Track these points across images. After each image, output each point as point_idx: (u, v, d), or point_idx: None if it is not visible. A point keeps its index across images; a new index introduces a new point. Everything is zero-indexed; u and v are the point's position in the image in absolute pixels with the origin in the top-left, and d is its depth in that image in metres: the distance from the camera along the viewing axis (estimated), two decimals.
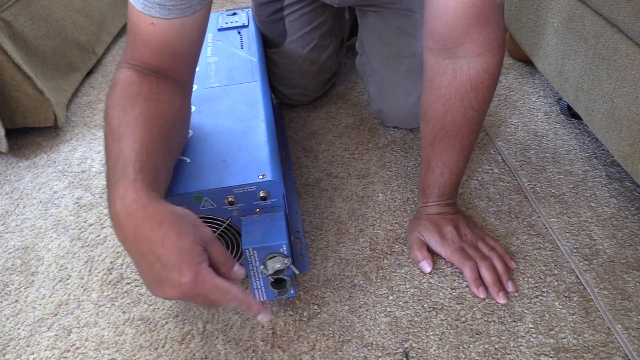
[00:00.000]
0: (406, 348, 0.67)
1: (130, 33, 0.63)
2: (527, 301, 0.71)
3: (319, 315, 0.71)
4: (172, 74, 0.65)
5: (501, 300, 0.70)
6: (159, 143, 0.58)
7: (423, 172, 0.79)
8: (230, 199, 0.66)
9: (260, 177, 0.66)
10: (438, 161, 0.75)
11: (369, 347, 0.67)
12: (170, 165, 0.63)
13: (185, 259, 0.51)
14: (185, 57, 0.65)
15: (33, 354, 0.70)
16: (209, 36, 1.01)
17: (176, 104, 0.64)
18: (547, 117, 1.04)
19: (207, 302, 0.53)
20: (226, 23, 1.05)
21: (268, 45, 1.06)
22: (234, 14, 1.09)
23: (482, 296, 0.71)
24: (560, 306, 0.70)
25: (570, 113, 1.01)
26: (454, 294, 0.73)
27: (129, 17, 0.62)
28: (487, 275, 0.72)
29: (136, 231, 0.51)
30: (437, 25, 0.67)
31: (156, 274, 0.51)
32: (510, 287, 0.72)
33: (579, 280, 0.73)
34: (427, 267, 0.75)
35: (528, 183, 0.89)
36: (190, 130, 0.75)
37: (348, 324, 0.70)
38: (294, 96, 1.11)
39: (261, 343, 0.69)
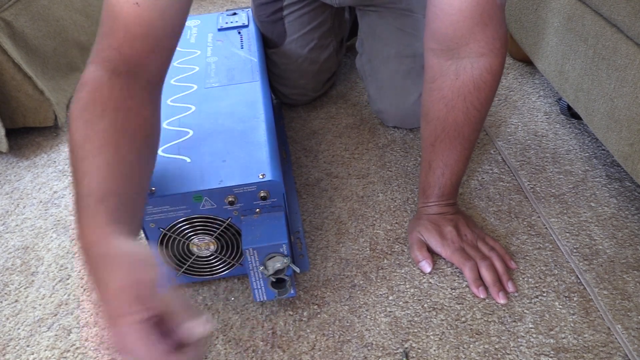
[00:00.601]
0: (406, 348, 0.67)
1: (107, 18, 0.57)
2: (527, 301, 0.71)
3: (319, 315, 0.71)
4: (146, 70, 0.59)
5: (501, 300, 0.70)
6: (128, 161, 0.53)
7: (423, 173, 0.78)
8: (230, 199, 0.66)
9: (260, 177, 0.66)
10: (439, 162, 0.75)
11: (369, 347, 0.67)
12: (144, 181, 0.57)
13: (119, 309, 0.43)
14: (164, 48, 0.61)
15: (33, 354, 0.70)
16: (209, 36, 1.01)
17: (147, 110, 0.59)
18: (547, 117, 1.04)
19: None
20: (226, 23, 1.05)
21: (268, 45, 1.06)
22: (234, 14, 1.09)
23: (482, 296, 0.71)
24: (560, 306, 0.70)
25: (570, 113, 1.01)
26: (454, 294, 0.73)
27: (107, 1, 0.56)
28: (487, 275, 0.72)
29: (91, 265, 0.47)
30: (440, 25, 0.67)
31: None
32: (510, 287, 0.72)
33: (579, 280, 0.73)
34: (427, 267, 0.75)
35: (528, 183, 0.89)
36: (190, 130, 0.75)
37: (348, 324, 0.70)
38: (293, 96, 1.11)
39: (261, 343, 0.69)
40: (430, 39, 0.70)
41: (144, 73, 0.59)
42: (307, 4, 1.03)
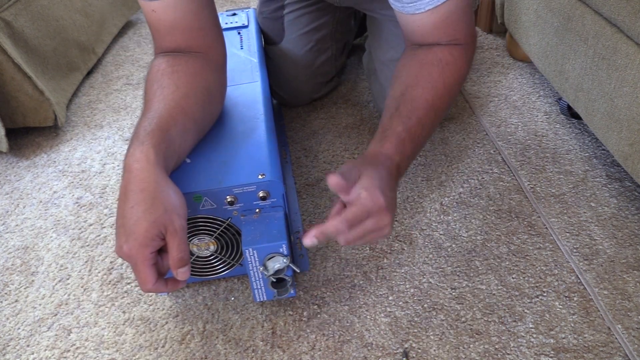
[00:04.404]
0: (406, 348, 0.67)
1: (149, 27, 0.71)
2: (528, 301, 0.71)
3: (319, 315, 0.71)
4: (195, 51, 0.70)
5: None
6: (182, 104, 0.65)
7: (387, 116, 0.66)
8: (230, 199, 0.66)
9: (260, 177, 0.66)
10: (408, 105, 0.65)
11: (369, 347, 0.67)
12: (193, 129, 0.68)
13: (136, 234, 0.56)
14: (198, 30, 0.70)
15: (33, 354, 0.70)
16: None
17: (204, 75, 0.70)
18: (547, 117, 1.04)
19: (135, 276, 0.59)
20: (226, 24, 1.05)
21: (267, 41, 1.07)
22: (234, 14, 1.09)
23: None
24: (561, 306, 0.70)
25: (570, 113, 1.01)
26: (454, 294, 0.73)
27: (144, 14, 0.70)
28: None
29: (125, 185, 0.58)
30: (413, 38, 0.71)
31: (118, 226, 0.58)
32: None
33: (579, 280, 0.73)
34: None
35: (528, 183, 0.89)
36: None
37: (348, 324, 0.70)
38: (287, 96, 1.11)
39: (261, 343, 0.69)
40: (406, 40, 0.74)
41: (192, 52, 0.70)
42: (307, 5, 1.03)
